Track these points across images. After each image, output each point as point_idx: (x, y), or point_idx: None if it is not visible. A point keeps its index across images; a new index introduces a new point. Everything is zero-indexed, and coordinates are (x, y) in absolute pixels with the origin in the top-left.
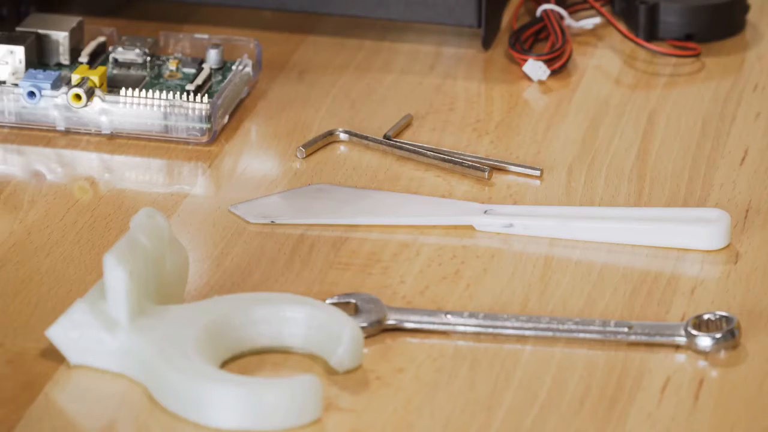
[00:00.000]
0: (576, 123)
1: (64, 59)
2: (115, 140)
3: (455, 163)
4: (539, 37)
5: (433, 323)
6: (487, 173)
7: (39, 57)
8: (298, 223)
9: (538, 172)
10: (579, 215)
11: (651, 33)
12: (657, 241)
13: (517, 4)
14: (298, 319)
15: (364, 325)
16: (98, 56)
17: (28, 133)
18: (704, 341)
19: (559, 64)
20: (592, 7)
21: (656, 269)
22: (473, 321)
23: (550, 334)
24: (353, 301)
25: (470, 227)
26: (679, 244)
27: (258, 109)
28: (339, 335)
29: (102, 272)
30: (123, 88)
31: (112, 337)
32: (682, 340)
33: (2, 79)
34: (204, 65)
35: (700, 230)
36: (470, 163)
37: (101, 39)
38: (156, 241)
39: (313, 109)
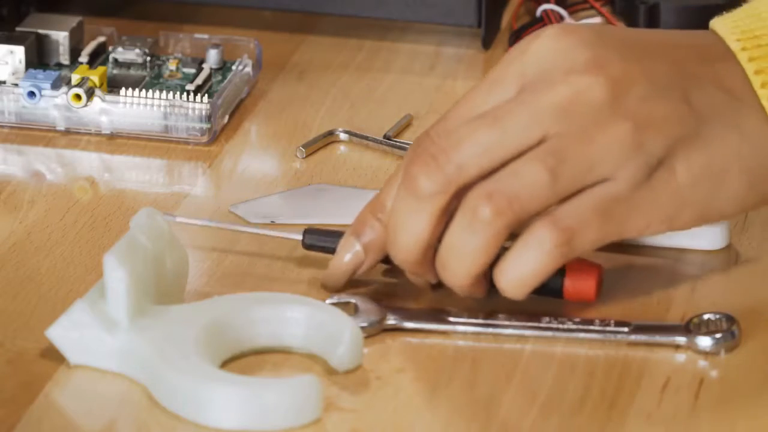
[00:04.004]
0: None
1: (64, 59)
2: (115, 140)
3: None
4: None
5: (433, 323)
6: None
7: (39, 57)
8: (298, 223)
9: None
10: None
11: None
12: (657, 241)
13: (517, 4)
14: (298, 319)
15: (364, 325)
16: (98, 56)
17: (28, 133)
18: (704, 341)
19: None
20: (592, 7)
21: (656, 269)
22: (473, 321)
23: (550, 334)
24: (353, 301)
25: None
26: (679, 244)
27: (258, 109)
28: (339, 335)
29: (102, 272)
30: (123, 88)
31: (112, 337)
32: (682, 340)
33: (2, 79)
34: (204, 65)
35: (700, 230)
36: None
37: (101, 39)
38: (156, 241)
39: (313, 109)
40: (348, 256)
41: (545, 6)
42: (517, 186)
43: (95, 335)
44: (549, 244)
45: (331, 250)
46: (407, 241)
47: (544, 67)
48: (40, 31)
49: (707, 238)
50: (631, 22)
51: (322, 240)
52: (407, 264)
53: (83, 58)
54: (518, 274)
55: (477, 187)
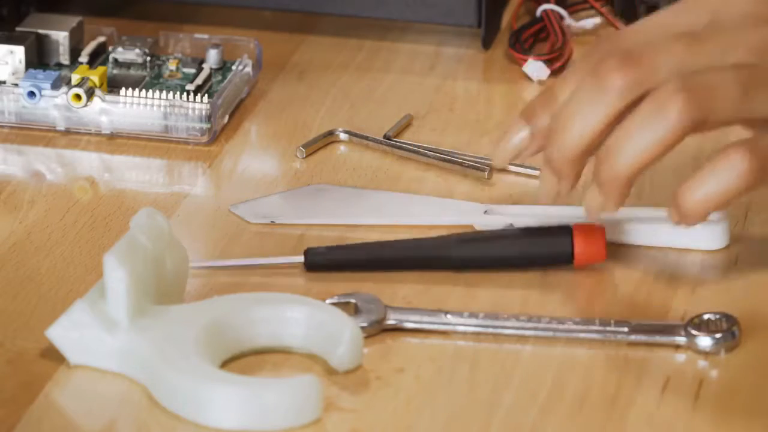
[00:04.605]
0: None
1: (64, 59)
2: (115, 140)
3: (455, 163)
4: (539, 37)
5: (433, 323)
6: (487, 173)
7: (39, 57)
8: (298, 223)
9: (538, 172)
10: (578, 215)
11: None
12: (657, 241)
13: (517, 4)
14: (298, 319)
15: (364, 325)
16: (98, 56)
17: (28, 133)
18: (704, 341)
19: (559, 64)
20: (592, 7)
21: (657, 268)
22: (473, 321)
23: (550, 334)
24: (353, 301)
25: (470, 227)
26: (679, 243)
27: (258, 109)
28: (339, 335)
29: (102, 272)
30: (123, 88)
31: (112, 337)
32: (682, 340)
33: (2, 79)
34: (204, 65)
35: (699, 230)
36: (470, 162)
37: (101, 39)
38: (156, 241)
39: (313, 109)
40: (515, 138)
41: (545, 6)
42: (711, 88)
43: (95, 335)
44: (744, 166)
45: (335, 266)
46: (578, 129)
47: (739, 10)
48: (40, 31)
49: (707, 237)
50: (631, 22)
51: (324, 256)
52: (564, 157)
53: (83, 58)
54: (707, 192)
55: (672, 80)
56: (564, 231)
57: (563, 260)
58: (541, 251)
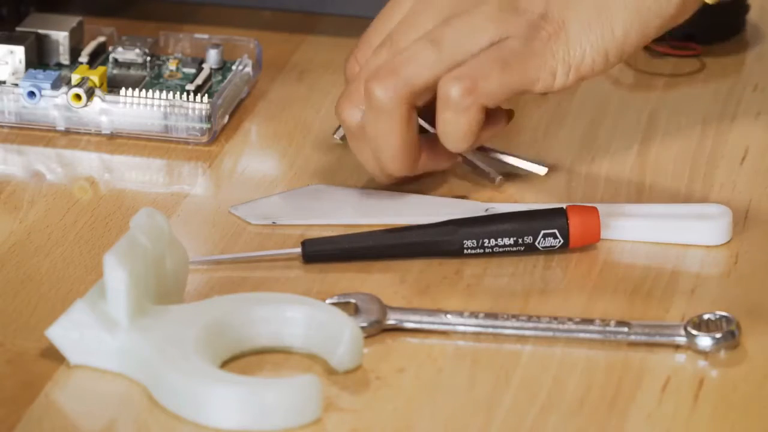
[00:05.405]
0: (576, 123)
1: (64, 59)
2: (115, 140)
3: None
4: None
5: (433, 323)
6: (497, 180)
7: (39, 57)
8: (299, 223)
9: (545, 170)
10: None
11: None
12: (658, 237)
13: None
14: (298, 319)
15: (364, 325)
16: (98, 56)
17: (28, 133)
18: (704, 341)
19: None
20: None
21: (656, 269)
22: (473, 321)
23: (550, 334)
24: (353, 301)
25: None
26: (681, 239)
27: (258, 109)
28: (339, 335)
29: (102, 272)
30: (123, 88)
31: (112, 337)
32: (682, 340)
33: (2, 79)
34: (204, 65)
35: (701, 226)
36: (480, 167)
37: (101, 39)
38: (156, 241)
39: (313, 109)
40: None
41: None
42: (406, 60)
43: (95, 335)
44: (455, 94)
45: (333, 256)
46: (384, 147)
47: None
48: (40, 31)
49: (709, 233)
50: None
51: (321, 246)
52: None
53: (83, 58)
54: (447, 133)
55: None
56: (558, 212)
57: (559, 239)
58: (536, 232)
